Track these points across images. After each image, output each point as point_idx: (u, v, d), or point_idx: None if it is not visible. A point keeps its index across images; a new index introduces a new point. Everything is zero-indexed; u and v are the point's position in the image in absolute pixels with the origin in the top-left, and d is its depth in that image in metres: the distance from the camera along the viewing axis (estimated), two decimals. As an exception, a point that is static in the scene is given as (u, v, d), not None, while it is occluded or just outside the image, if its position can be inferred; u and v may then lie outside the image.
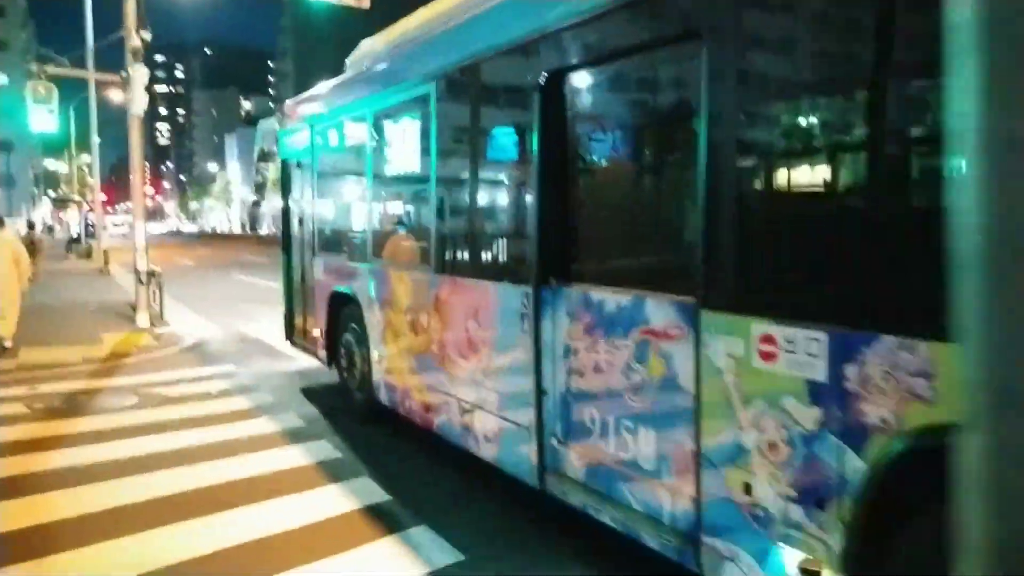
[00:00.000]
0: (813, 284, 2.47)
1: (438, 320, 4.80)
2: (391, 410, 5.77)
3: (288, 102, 7.78)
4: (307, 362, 7.94)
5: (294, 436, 5.78)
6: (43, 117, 12.94)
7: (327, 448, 5.48)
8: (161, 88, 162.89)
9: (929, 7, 2.15)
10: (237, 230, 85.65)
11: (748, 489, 2.65)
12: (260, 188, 10.74)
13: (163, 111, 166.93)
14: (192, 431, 5.90)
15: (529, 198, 3.82)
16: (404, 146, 5.29)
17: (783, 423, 2.49)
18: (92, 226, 33.76)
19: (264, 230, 72.20)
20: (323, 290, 6.88)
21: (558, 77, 3.63)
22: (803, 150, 2.62)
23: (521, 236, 3.93)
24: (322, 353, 7.06)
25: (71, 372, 8.13)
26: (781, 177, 2.70)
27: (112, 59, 16.20)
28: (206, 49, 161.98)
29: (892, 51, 2.31)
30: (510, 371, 4.07)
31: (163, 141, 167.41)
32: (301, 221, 7.59)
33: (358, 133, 6.08)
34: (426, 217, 5.01)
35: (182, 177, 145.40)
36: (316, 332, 7.17)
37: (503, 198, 4.40)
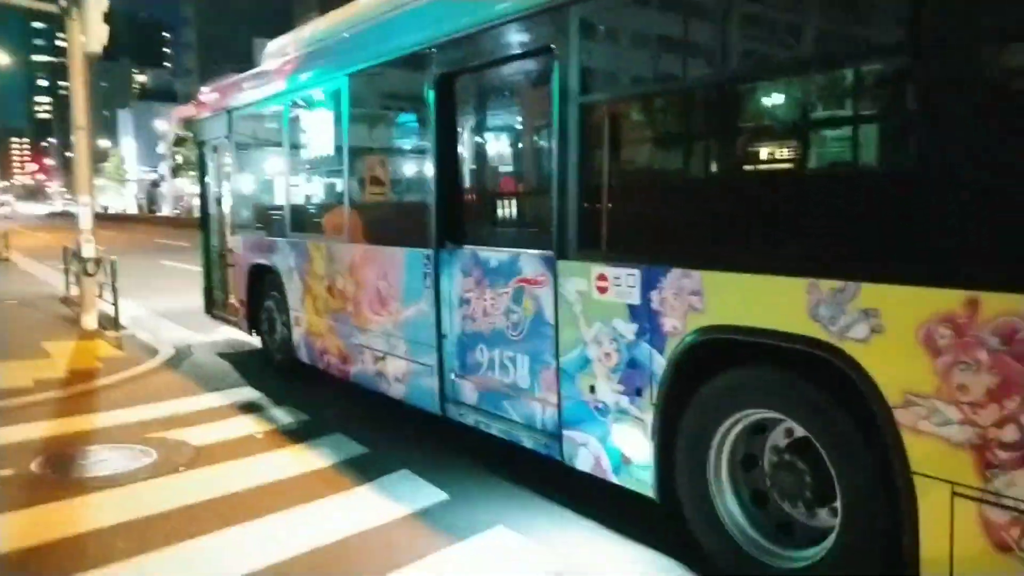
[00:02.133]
0: (629, 235, 3.41)
1: (352, 282, 5.53)
2: (309, 366, 6.46)
3: (204, 89, 8.21)
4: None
5: (438, 515, 3.83)
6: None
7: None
8: (41, 58, 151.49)
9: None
10: (133, 210, 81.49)
11: (592, 389, 3.57)
12: (176, 171, 10.74)
13: (43, 83, 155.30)
14: (284, 516, 3.82)
15: (427, 176, 4.62)
16: (319, 132, 5.96)
17: (613, 337, 3.42)
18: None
19: (165, 211, 68.87)
20: (243, 264, 7.44)
21: (448, 78, 4.44)
22: (622, 140, 3.56)
23: (421, 208, 4.71)
24: (243, 323, 7.62)
25: (29, 405, 5.79)
26: (608, 159, 3.62)
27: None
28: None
29: (689, 60, 3.25)
30: (415, 321, 4.86)
31: (44, 115, 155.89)
32: (219, 201, 8.08)
33: (276, 120, 6.70)
34: (340, 195, 5.71)
35: (68, 154, 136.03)
36: (237, 303, 7.71)
37: (405, 177, 5.17)
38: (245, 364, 7.50)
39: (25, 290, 13.27)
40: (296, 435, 5.17)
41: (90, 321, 9.05)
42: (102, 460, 4.66)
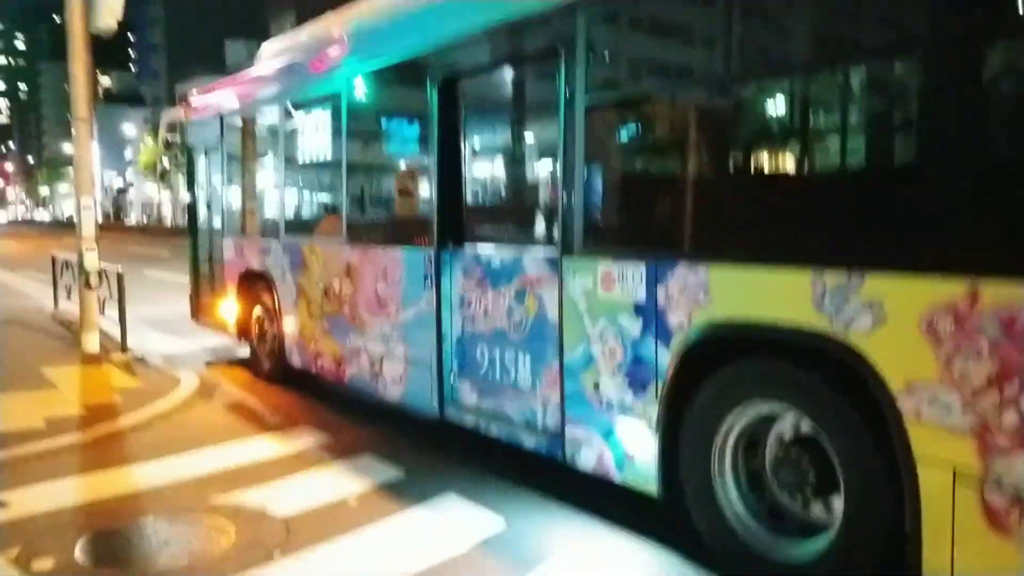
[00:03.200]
0: (635, 232, 3.51)
1: (350, 284, 5.55)
2: (302, 371, 6.45)
3: (194, 92, 8.17)
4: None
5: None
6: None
7: None
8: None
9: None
10: (98, 218, 79.87)
11: (596, 386, 3.65)
12: (164, 175, 10.39)
13: (1, 86, 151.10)
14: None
15: (428, 178, 4.68)
16: (318, 134, 5.98)
17: (618, 333, 3.51)
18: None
19: (133, 218, 67.38)
20: (234, 269, 7.40)
21: (451, 82, 4.51)
22: (627, 140, 3.66)
23: (422, 209, 4.76)
24: (232, 328, 7.57)
25: (47, 455, 4.68)
26: (615, 159, 3.72)
27: None
28: (55, 17, 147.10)
29: (693, 62, 3.37)
30: (415, 322, 4.90)
31: (2, 120, 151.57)
32: (209, 206, 8.03)
33: (272, 122, 6.70)
34: (338, 196, 5.73)
35: (29, 159, 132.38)
36: (226, 309, 7.66)
37: (407, 176, 5.21)
38: (289, 394, 6.52)
39: (6, 304, 11.81)
40: (396, 499, 4.06)
41: (92, 342, 7.81)
42: (166, 541, 3.53)
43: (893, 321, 2.54)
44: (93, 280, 7.91)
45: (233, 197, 7.62)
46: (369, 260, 5.33)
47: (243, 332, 7.44)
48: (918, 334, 2.47)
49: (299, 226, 6.44)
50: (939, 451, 2.46)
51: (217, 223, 7.82)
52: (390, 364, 5.21)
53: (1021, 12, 2.27)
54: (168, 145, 8.49)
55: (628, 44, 3.65)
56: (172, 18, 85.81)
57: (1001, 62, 2.47)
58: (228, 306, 7.57)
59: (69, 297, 9.94)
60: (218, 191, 7.75)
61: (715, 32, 3.24)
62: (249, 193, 7.40)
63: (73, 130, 7.97)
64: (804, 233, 2.86)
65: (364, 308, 5.41)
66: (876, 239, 2.65)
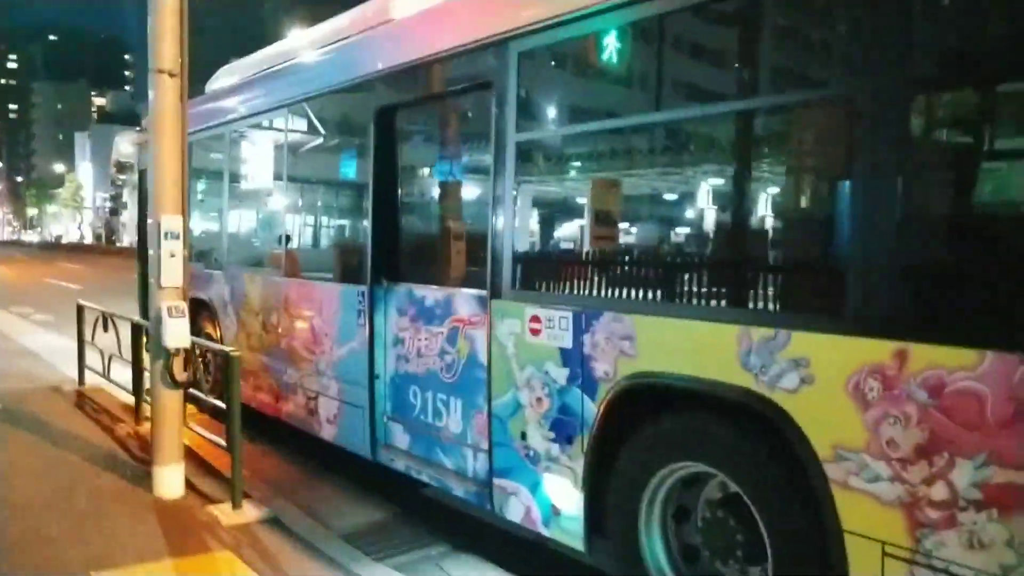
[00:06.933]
0: (562, 276, 3.31)
1: (287, 318, 5.31)
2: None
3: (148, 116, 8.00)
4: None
5: None
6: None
7: None
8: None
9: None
10: (89, 239, 78.83)
11: (523, 436, 3.42)
12: (115, 198, 10.16)
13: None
14: None
15: (364, 211, 4.48)
16: (259, 162, 5.80)
17: (545, 381, 3.28)
18: None
19: (127, 241, 66.70)
20: None
21: (388, 112, 4.33)
22: (558, 179, 3.48)
23: (357, 243, 4.56)
24: None
25: None
26: (546, 197, 3.54)
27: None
28: (50, 35, 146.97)
29: (624, 99, 3.20)
30: (348, 360, 4.66)
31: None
32: None
33: (215, 151, 6.53)
34: (277, 226, 5.52)
35: (18, 179, 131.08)
36: None
37: (343, 211, 5.02)
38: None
39: (3, 371, 7.56)
40: None
41: (173, 484, 4.21)
42: None
43: (820, 382, 2.34)
44: (180, 371, 4.22)
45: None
46: (305, 295, 5.11)
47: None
48: (845, 397, 2.27)
49: (241, 255, 6.22)
50: (867, 524, 2.25)
51: None
52: (325, 402, 4.95)
53: None
54: (120, 167, 8.30)
55: (560, 78, 3.50)
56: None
57: (939, 120, 2.33)
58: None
59: (107, 374, 6.39)
60: None
61: (647, 70, 3.09)
62: (196, 218, 7.17)
63: (151, 92, 4.28)
64: (731, 287, 2.68)
65: (299, 344, 5.17)
66: (804, 296, 2.46)
